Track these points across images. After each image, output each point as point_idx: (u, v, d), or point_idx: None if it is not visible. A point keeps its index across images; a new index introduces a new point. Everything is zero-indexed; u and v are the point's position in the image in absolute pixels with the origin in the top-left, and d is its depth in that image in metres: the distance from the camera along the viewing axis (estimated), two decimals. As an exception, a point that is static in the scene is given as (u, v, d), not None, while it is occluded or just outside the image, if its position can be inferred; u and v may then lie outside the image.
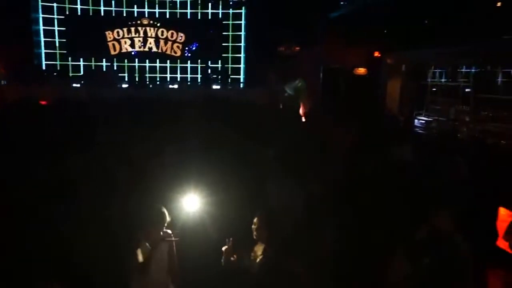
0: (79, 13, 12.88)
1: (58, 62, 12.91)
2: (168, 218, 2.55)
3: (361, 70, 10.05)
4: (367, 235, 2.78)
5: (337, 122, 6.30)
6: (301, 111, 8.71)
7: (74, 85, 12.22)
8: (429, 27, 7.95)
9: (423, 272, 2.41)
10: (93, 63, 13.10)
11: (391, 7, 8.06)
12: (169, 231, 2.61)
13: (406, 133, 7.09)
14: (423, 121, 9.20)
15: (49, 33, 12.79)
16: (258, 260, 2.52)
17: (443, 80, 9.61)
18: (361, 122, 6.14)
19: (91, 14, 12.95)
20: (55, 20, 12.80)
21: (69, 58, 12.98)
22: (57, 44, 12.89)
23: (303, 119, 7.03)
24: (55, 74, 12.44)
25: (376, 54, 9.83)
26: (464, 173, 3.75)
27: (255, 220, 2.60)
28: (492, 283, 2.81)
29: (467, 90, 8.62)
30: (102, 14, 13.03)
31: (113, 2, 12.93)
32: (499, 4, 6.74)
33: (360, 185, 3.38)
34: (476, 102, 8.16)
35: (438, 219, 2.53)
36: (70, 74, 12.81)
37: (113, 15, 13.04)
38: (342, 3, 9.45)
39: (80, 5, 12.84)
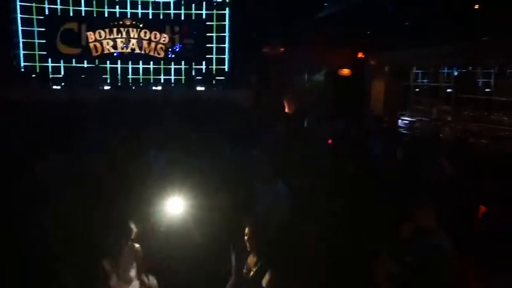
0: (59, 14, 12.54)
1: (37, 64, 12.54)
2: (134, 230, 2.55)
3: (346, 71, 10.14)
4: (352, 235, 2.77)
5: (322, 122, 6.33)
6: (286, 110, 8.69)
7: (55, 87, 11.90)
8: (411, 29, 8.09)
9: (407, 271, 2.41)
10: (74, 65, 12.78)
11: (374, 8, 8.16)
12: (137, 245, 2.57)
13: (390, 132, 7.18)
14: (407, 121, 9.35)
15: (28, 34, 12.41)
16: (251, 273, 2.46)
17: (425, 81, 9.80)
18: (346, 122, 6.18)
19: (71, 14, 12.63)
20: (34, 21, 12.43)
21: (49, 60, 12.63)
22: (36, 45, 12.52)
23: (288, 119, 7.02)
24: (34, 76, 12.07)
25: (360, 55, 9.94)
26: (446, 171, 3.80)
27: (246, 230, 2.53)
28: (474, 281, 2.83)
29: (448, 90, 8.82)
30: (83, 14, 12.73)
31: (94, 2, 12.65)
32: (476, 6, 6.91)
33: (344, 185, 3.38)
34: (457, 102, 8.34)
35: (421, 218, 2.54)
36: (50, 76, 12.46)
37: (95, 15, 12.76)
38: (326, 4, 9.51)
39: (60, 5, 12.51)
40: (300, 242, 2.73)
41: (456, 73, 8.77)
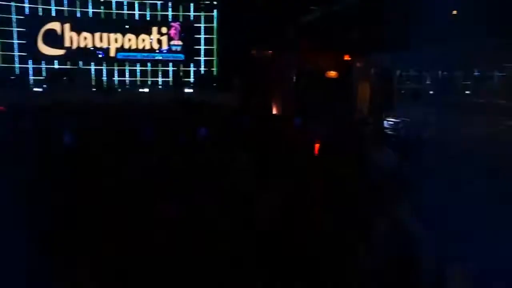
0: (40, 13, 12.22)
1: (16, 65, 12.16)
2: None
3: (332, 73, 10.30)
4: (331, 230, 2.81)
5: (308, 124, 6.42)
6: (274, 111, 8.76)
7: (35, 89, 11.59)
8: (394, 32, 8.31)
9: (384, 266, 2.46)
10: (56, 66, 12.47)
11: (360, 12, 8.35)
12: None
13: (375, 133, 7.33)
14: (392, 123, 9.56)
15: (6, 34, 12.01)
16: None
17: (409, 83, 10.06)
18: (333, 123, 6.29)
19: (54, 14, 12.33)
20: (13, 20, 12.05)
21: (29, 61, 12.27)
22: (15, 46, 12.14)
23: (276, 121, 7.08)
24: (12, 78, 11.70)
25: (346, 57, 10.12)
26: (424, 169, 3.93)
27: None
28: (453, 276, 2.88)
29: (431, 92, 9.08)
30: (66, 15, 12.44)
31: (77, 2, 12.38)
32: (454, 12, 7.20)
33: (325, 182, 3.44)
34: (439, 104, 8.60)
35: (399, 214, 2.58)
36: (31, 78, 12.12)
37: (79, 16, 12.50)
38: (313, 8, 9.65)
39: (42, 4, 12.18)
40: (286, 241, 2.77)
41: (438, 76, 9.04)
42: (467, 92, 8.35)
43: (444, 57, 7.95)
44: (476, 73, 8.07)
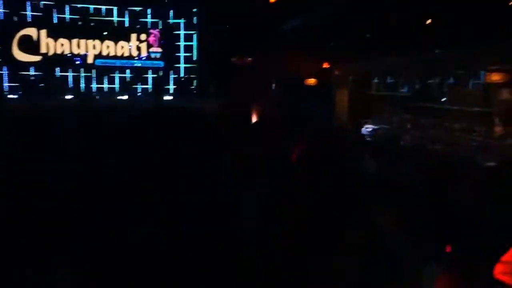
0: (15, 19, 11.91)
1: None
2: None
3: (312, 81, 10.42)
4: (311, 233, 2.81)
5: (287, 131, 6.45)
6: (253, 119, 8.74)
7: (10, 96, 11.25)
8: (371, 41, 8.50)
9: (362, 271, 2.46)
10: (32, 73, 12.13)
11: (337, 21, 8.51)
12: None
13: (354, 140, 7.42)
14: (370, 129, 9.71)
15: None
16: None
17: (387, 90, 10.28)
18: (311, 131, 6.33)
19: (29, 20, 12.03)
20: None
21: (4, 68, 11.91)
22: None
23: (255, 129, 7.07)
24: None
25: (325, 65, 10.26)
26: (403, 175, 3.99)
27: None
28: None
29: (408, 99, 9.28)
30: (42, 21, 12.15)
31: (54, 8, 12.13)
32: (429, 21, 7.43)
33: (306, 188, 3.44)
34: (416, 111, 8.81)
35: (377, 218, 2.60)
36: (6, 85, 11.76)
37: (56, 21, 12.23)
38: (293, 16, 9.78)
39: (17, 9, 11.87)
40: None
41: (414, 83, 9.27)
42: (443, 99, 8.59)
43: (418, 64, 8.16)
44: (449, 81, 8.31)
